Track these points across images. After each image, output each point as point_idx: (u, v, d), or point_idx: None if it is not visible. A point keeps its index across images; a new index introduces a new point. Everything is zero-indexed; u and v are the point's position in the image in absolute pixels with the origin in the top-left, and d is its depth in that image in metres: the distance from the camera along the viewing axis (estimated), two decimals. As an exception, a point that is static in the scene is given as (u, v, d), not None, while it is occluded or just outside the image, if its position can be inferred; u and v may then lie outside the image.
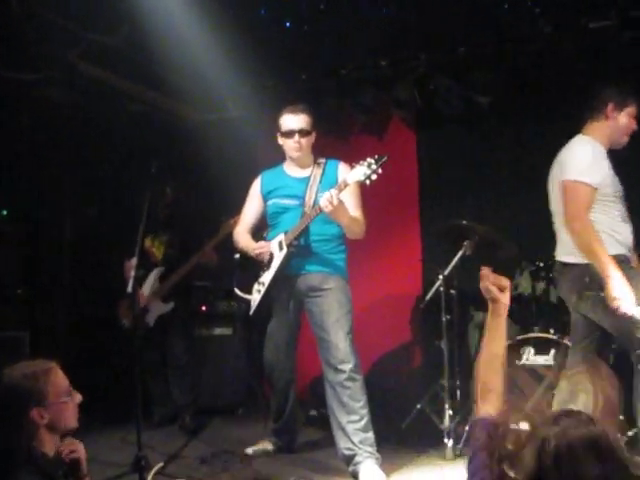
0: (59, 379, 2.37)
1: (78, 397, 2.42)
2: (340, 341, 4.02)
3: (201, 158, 6.29)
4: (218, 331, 5.96)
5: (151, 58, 5.23)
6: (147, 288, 5.37)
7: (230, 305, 6.06)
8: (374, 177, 3.76)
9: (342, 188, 3.85)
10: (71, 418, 2.38)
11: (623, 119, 3.88)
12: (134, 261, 3.93)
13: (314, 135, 4.30)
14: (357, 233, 4.16)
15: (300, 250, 4.13)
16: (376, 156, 3.79)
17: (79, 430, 5.29)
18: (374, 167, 3.74)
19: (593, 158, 3.78)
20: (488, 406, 1.98)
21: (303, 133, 4.21)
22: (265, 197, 4.39)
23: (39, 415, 2.28)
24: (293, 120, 4.21)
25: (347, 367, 3.99)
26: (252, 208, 4.47)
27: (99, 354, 5.90)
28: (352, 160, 4.36)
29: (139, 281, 5.38)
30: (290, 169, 4.36)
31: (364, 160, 3.81)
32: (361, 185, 4.04)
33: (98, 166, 6.04)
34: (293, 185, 4.28)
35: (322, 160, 4.33)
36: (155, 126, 6.36)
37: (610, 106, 3.89)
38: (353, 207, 4.10)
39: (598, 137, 3.89)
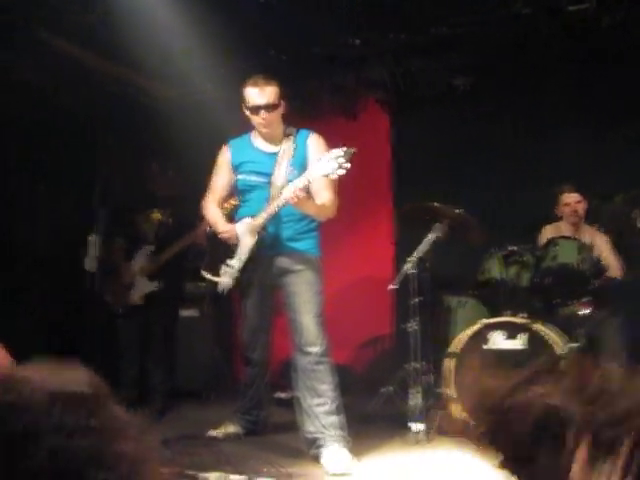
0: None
1: None
2: (309, 323, 3.96)
3: (179, 138, 6.17)
4: (186, 313, 5.86)
5: (127, 37, 5.09)
6: (135, 265, 5.28)
7: (198, 286, 5.97)
8: (341, 172, 3.64)
9: (307, 183, 3.75)
10: None
11: None
12: (93, 238, 3.84)
13: (283, 106, 4.12)
14: (326, 216, 4.08)
15: (270, 232, 4.05)
16: (344, 148, 3.65)
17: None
18: (341, 160, 3.62)
19: None
20: None
21: (270, 108, 4.03)
22: (234, 169, 4.24)
23: None
24: (258, 95, 4.01)
25: (315, 350, 3.93)
26: (221, 179, 4.31)
27: (68, 336, 5.80)
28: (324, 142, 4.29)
29: (127, 257, 5.32)
30: (258, 141, 4.21)
31: (330, 152, 3.69)
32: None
33: (71, 146, 5.89)
34: (261, 160, 4.15)
35: (292, 131, 4.17)
36: (128, 105, 6.22)
37: None
38: (322, 187, 3.98)
39: None
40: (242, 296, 4.29)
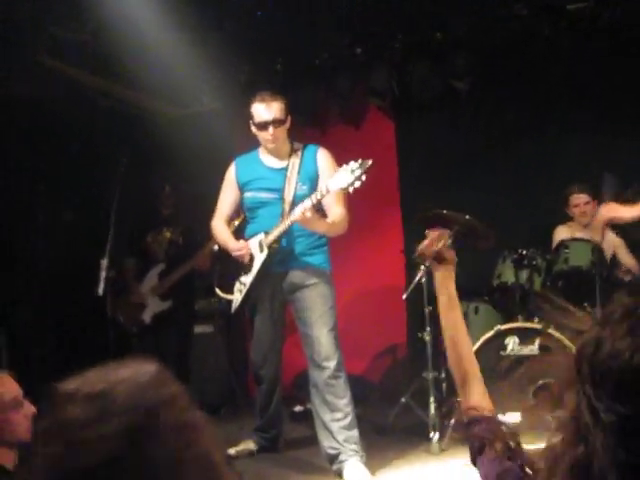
0: (4, 389, 2.25)
1: (30, 409, 2.30)
2: (323, 337, 3.94)
3: (177, 153, 6.17)
4: (199, 329, 5.84)
5: (120, 53, 5.09)
6: (146, 284, 5.28)
7: (211, 303, 5.95)
8: (357, 184, 3.63)
9: (323, 195, 3.76)
10: (20, 430, 2.26)
11: None
12: (105, 262, 3.83)
13: (289, 121, 4.12)
14: (337, 233, 4.08)
15: (282, 248, 4.03)
16: (360, 161, 3.65)
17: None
18: (358, 173, 3.61)
19: None
20: (474, 395, 1.80)
21: (277, 123, 4.02)
22: (241, 188, 4.22)
23: None
24: (265, 111, 4.00)
25: (331, 364, 3.92)
26: (228, 197, 4.30)
27: (80, 353, 5.79)
28: (330, 151, 4.27)
29: (138, 277, 5.32)
30: (266, 158, 4.19)
31: (347, 165, 3.67)
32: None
33: (68, 163, 5.90)
34: (270, 177, 4.14)
35: (299, 146, 4.16)
36: (127, 122, 6.22)
37: None
38: (334, 203, 3.98)
39: None
40: (253, 313, 4.26)
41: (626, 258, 5.16)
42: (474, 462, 1.68)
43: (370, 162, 3.64)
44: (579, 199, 5.11)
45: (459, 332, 1.88)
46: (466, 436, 1.71)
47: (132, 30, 4.83)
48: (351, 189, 3.66)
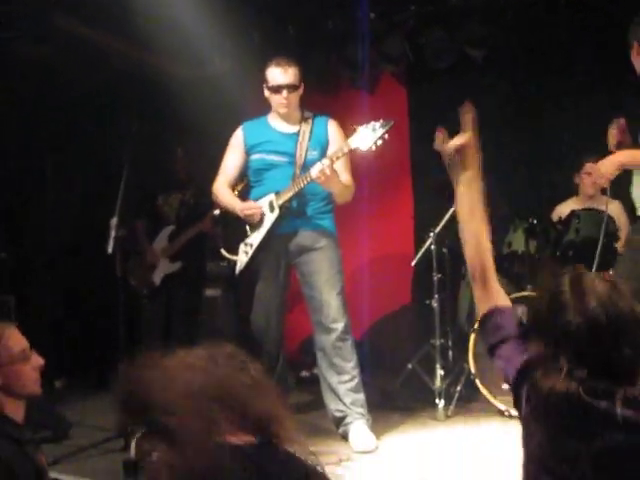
0: (12, 341, 2.27)
1: (38, 361, 2.32)
2: (332, 300, 3.96)
3: (196, 118, 6.14)
4: (207, 292, 5.86)
5: (133, 13, 5.06)
6: (157, 246, 5.31)
7: (219, 266, 5.97)
8: (380, 142, 3.68)
9: (343, 154, 3.79)
10: (30, 382, 2.29)
11: None
12: (115, 221, 3.84)
13: (302, 88, 4.12)
14: (346, 199, 4.10)
15: (292, 210, 4.03)
16: (381, 120, 3.71)
17: (70, 393, 5.28)
18: (380, 133, 3.66)
19: None
20: (493, 292, 1.87)
21: (291, 88, 4.02)
22: (248, 151, 4.20)
23: None
24: (281, 75, 4.00)
25: (338, 326, 3.93)
26: (234, 160, 4.26)
27: (91, 318, 5.84)
28: (341, 117, 4.26)
29: (148, 238, 5.34)
30: (276, 123, 4.18)
31: (367, 124, 3.71)
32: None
33: (81, 124, 5.89)
34: (280, 141, 4.12)
35: (309, 115, 4.16)
36: (140, 84, 6.19)
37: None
38: (342, 169, 3.99)
39: None
40: (256, 275, 4.25)
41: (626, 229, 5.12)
42: (492, 352, 1.77)
43: (392, 122, 3.69)
44: (593, 168, 5.03)
45: (481, 242, 1.90)
46: (488, 325, 1.80)
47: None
48: (373, 147, 3.70)
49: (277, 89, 4.03)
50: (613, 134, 3.56)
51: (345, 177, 4.02)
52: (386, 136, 3.67)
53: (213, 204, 4.93)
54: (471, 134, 1.97)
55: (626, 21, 4.97)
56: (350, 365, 3.94)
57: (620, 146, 3.59)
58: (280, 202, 3.99)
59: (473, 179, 1.95)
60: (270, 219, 4.04)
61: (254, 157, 4.17)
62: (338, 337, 3.93)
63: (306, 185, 3.91)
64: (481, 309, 1.87)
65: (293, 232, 4.08)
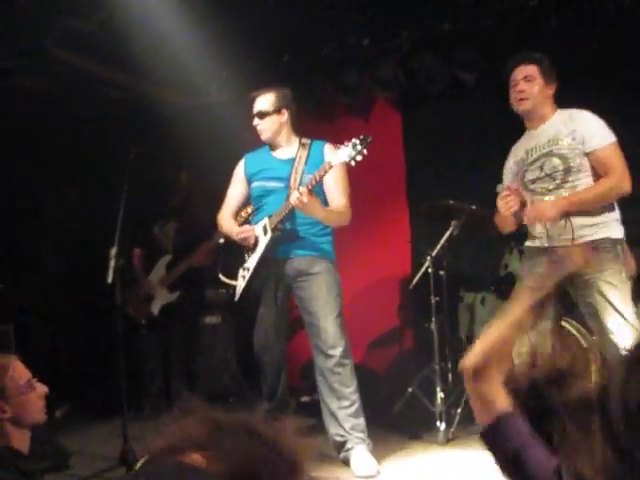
0: (17, 372, 2.30)
1: (42, 389, 2.35)
2: (329, 326, 3.95)
3: (186, 144, 6.19)
4: (206, 320, 5.87)
5: (129, 44, 5.11)
6: (154, 276, 5.31)
7: (218, 293, 5.99)
8: (359, 158, 3.71)
9: (326, 170, 3.79)
10: (36, 411, 2.33)
11: None
12: (114, 250, 3.86)
13: (284, 113, 4.16)
14: (338, 223, 4.10)
15: (286, 234, 4.06)
16: (361, 136, 3.74)
17: (70, 422, 5.26)
18: (359, 148, 3.68)
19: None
20: (493, 385, 1.60)
21: (260, 115, 4.14)
22: (249, 179, 4.28)
23: (0, 409, 2.23)
24: (255, 103, 4.17)
25: (337, 352, 3.93)
26: (236, 191, 4.37)
27: (90, 345, 5.84)
28: (337, 143, 4.31)
29: (146, 268, 5.35)
30: (275, 151, 4.26)
31: (348, 141, 3.75)
32: (348, 169, 4.01)
33: (79, 154, 5.93)
34: (277, 167, 4.18)
35: (307, 141, 4.21)
36: (137, 113, 6.25)
37: None
38: (338, 194, 4.03)
39: None
40: (257, 299, 4.28)
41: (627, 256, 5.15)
42: (516, 458, 1.52)
43: (371, 137, 3.71)
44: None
45: (507, 347, 1.67)
46: (503, 433, 1.56)
47: (142, 21, 4.86)
48: (353, 163, 3.72)
49: (253, 118, 4.18)
50: (507, 200, 3.61)
51: (339, 201, 4.02)
52: (365, 151, 3.68)
53: (214, 232, 4.98)
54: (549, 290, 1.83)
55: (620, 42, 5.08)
56: (349, 390, 3.93)
57: (524, 205, 3.67)
58: (271, 224, 4.03)
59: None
60: (264, 242, 4.07)
61: (254, 185, 4.24)
62: (337, 362, 3.93)
63: (290, 210, 3.93)
64: (483, 411, 1.62)
65: (289, 257, 4.10)
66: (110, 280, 3.82)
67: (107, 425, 4.78)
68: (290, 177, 4.09)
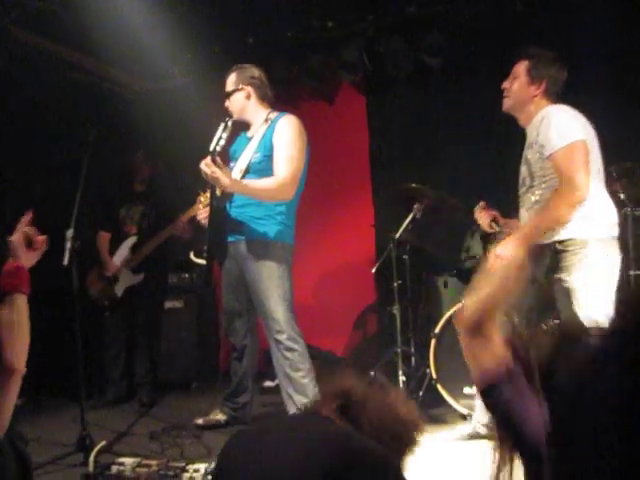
0: None
1: None
2: (274, 310, 3.91)
3: (149, 128, 6.12)
4: (169, 304, 5.82)
5: (90, 25, 5.01)
6: (118, 257, 5.25)
7: (181, 277, 5.94)
8: (222, 142, 3.63)
9: (214, 149, 3.64)
10: None
11: None
12: (70, 232, 3.79)
13: (245, 89, 4.12)
14: (269, 198, 3.91)
15: (230, 217, 4.03)
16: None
17: (31, 409, 5.20)
18: (219, 133, 3.63)
19: None
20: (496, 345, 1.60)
21: (227, 95, 4.16)
22: (230, 159, 4.24)
23: None
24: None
25: (283, 337, 3.89)
26: None
27: (49, 332, 5.75)
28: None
29: (110, 250, 5.29)
30: (248, 129, 4.23)
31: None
32: (312, 151, 4.00)
33: (38, 136, 5.82)
34: (242, 146, 4.16)
35: (273, 115, 4.12)
36: (98, 95, 6.16)
37: None
38: (277, 166, 3.88)
39: None
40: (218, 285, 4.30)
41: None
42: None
43: (228, 119, 3.71)
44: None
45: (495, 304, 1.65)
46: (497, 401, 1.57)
47: (105, 2, 4.79)
48: (219, 148, 3.61)
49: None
50: (482, 216, 3.62)
51: (278, 170, 3.87)
52: (225, 134, 3.62)
53: (180, 213, 4.96)
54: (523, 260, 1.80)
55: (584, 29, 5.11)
56: (300, 374, 3.89)
57: (495, 219, 3.67)
58: (205, 203, 4.08)
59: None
60: (208, 223, 4.00)
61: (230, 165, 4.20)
62: (285, 347, 3.90)
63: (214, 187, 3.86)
64: (478, 367, 1.62)
65: (234, 240, 4.06)
66: (66, 262, 3.75)
67: (68, 411, 4.74)
68: (241, 155, 4.08)
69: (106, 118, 5.80)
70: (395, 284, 4.63)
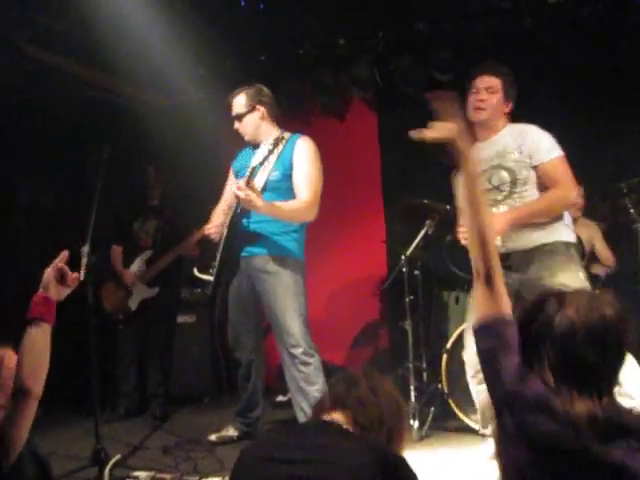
0: (13, 363, 2.26)
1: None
2: (289, 325, 3.94)
3: (163, 143, 6.17)
4: (181, 319, 5.84)
5: (104, 42, 5.08)
6: (134, 271, 5.29)
7: (193, 292, 5.97)
8: (272, 158, 3.82)
9: (250, 172, 3.75)
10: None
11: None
12: (86, 248, 3.83)
13: (257, 110, 4.16)
14: (293, 219, 4.01)
15: (245, 232, 4.06)
16: (275, 136, 3.95)
17: (44, 423, 5.22)
18: (270, 147, 3.82)
19: None
20: (495, 291, 1.86)
21: (238, 118, 4.17)
22: (235, 176, 4.30)
23: None
24: (231, 108, 4.20)
25: (298, 351, 3.93)
26: (228, 187, 4.39)
27: (64, 346, 5.78)
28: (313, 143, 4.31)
29: (125, 264, 5.34)
30: (257, 147, 4.23)
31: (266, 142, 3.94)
32: (323, 167, 4.03)
33: (53, 154, 5.89)
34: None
35: (286, 136, 4.15)
36: (113, 112, 6.21)
37: None
38: (300, 188, 3.97)
39: None
40: (226, 295, 4.32)
41: (602, 251, 5.19)
42: (487, 355, 1.78)
43: (283, 136, 3.92)
44: (578, 191, 5.04)
45: (486, 240, 1.89)
46: (490, 330, 1.79)
47: (118, 19, 4.83)
48: (267, 163, 3.84)
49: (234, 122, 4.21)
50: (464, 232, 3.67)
51: (300, 195, 3.95)
52: (275, 151, 3.83)
53: (193, 229, 5.01)
54: (456, 123, 2.04)
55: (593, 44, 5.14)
56: (315, 388, 3.91)
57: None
58: (228, 221, 4.08)
59: (472, 170, 2.00)
60: (223, 239, 4.09)
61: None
62: (300, 361, 3.93)
63: (238, 207, 3.96)
64: (481, 310, 1.84)
65: (249, 255, 4.09)
66: (82, 278, 3.78)
67: (81, 425, 4.76)
68: (257, 174, 4.10)
69: (119, 133, 5.86)
70: (407, 299, 4.64)
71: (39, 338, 2.17)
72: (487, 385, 1.79)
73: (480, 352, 1.82)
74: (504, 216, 3.52)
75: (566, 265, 3.51)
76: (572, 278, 3.45)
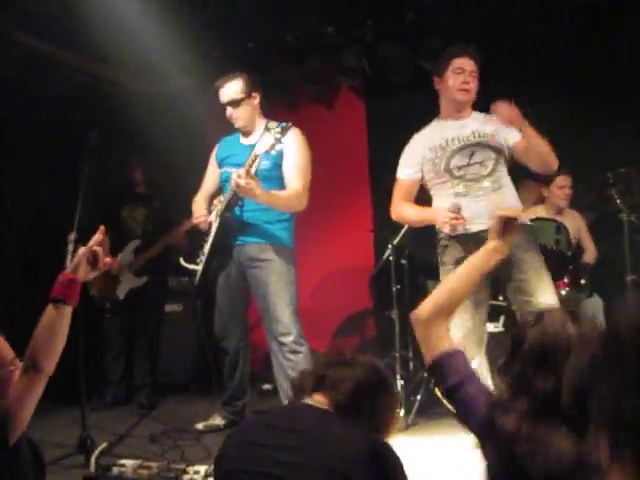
0: (3, 349, 2.25)
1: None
2: (280, 313, 3.97)
3: (149, 130, 6.13)
4: (169, 308, 5.83)
5: (89, 28, 5.03)
6: (122, 260, 5.28)
7: (180, 281, 5.96)
8: (279, 147, 3.77)
9: (254, 160, 3.76)
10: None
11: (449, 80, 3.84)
12: (72, 236, 3.81)
13: (254, 98, 4.18)
14: (287, 209, 4.05)
15: (236, 220, 4.07)
16: (283, 124, 3.86)
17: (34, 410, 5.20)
18: (278, 136, 3.74)
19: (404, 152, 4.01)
20: (444, 330, 1.93)
21: (233, 104, 4.14)
22: (219, 164, 4.31)
23: None
24: (222, 94, 4.17)
25: (288, 339, 3.95)
26: (209, 175, 4.41)
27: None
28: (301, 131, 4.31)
29: (113, 252, 5.31)
30: (245, 136, 4.26)
31: (270, 129, 3.87)
32: (312, 156, 4.04)
33: (40, 139, 5.83)
34: (241, 153, 4.15)
35: (274, 125, 4.10)
36: (99, 98, 6.16)
37: (435, 79, 3.92)
38: (291, 178, 4.01)
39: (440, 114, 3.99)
40: (214, 284, 4.30)
41: (586, 241, 5.23)
42: (453, 393, 1.79)
43: (288, 124, 3.84)
44: (567, 181, 5.06)
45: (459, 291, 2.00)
46: (445, 369, 1.81)
47: (103, 4, 4.80)
48: (273, 151, 3.77)
49: (223, 108, 4.17)
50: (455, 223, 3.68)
51: (292, 185, 3.99)
52: (283, 139, 3.77)
53: (182, 218, 4.99)
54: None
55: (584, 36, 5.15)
56: None
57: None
58: (219, 210, 4.08)
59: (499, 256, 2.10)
60: (214, 228, 4.10)
61: (221, 170, 4.28)
62: (289, 349, 3.95)
63: (232, 196, 3.96)
64: (430, 351, 1.87)
65: (241, 244, 4.11)
66: (68, 265, 3.76)
67: (68, 413, 4.75)
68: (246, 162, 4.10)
69: (106, 120, 5.82)
70: (394, 289, 4.66)
71: (57, 319, 2.16)
72: (461, 422, 1.79)
73: (446, 391, 1.82)
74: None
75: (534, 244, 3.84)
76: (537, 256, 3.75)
